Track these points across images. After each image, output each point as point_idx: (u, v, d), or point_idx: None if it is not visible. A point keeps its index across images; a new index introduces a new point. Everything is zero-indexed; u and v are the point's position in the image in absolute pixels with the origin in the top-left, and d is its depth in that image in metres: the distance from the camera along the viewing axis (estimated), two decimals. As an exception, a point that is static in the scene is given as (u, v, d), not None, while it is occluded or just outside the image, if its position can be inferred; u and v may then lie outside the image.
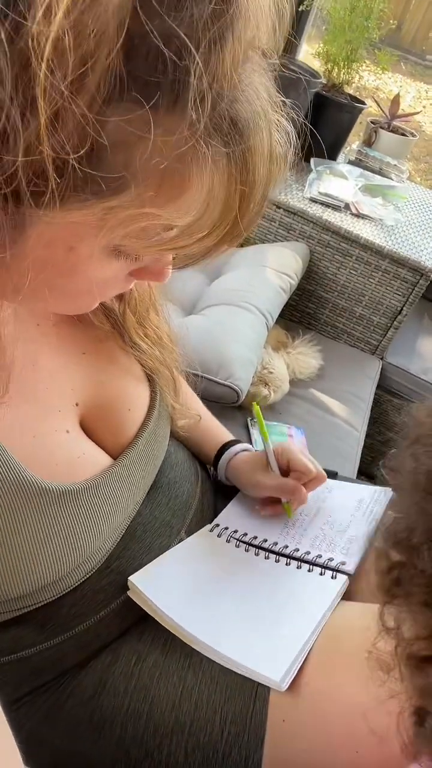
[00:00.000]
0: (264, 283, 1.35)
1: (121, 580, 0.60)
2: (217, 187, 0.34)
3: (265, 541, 0.72)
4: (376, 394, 1.53)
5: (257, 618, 0.61)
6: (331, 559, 0.69)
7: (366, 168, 1.79)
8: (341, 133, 1.78)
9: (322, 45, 1.69)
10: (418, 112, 2.09)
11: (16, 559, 0.48)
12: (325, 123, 1.71)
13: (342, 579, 0.66)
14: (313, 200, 1.56)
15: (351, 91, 1.78)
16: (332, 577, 0.66)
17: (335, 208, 1.57)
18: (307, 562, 0.69)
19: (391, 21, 1.84)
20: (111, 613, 0.60)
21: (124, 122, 0.29)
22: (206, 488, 0.77)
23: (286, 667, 0.55)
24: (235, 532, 0.73)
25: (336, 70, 1.70)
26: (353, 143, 1.88)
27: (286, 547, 0.71)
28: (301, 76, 1.43)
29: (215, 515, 0.77)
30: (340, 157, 1.85)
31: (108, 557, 0.58)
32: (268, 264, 1.40)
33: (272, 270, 1.40)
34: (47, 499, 0.48)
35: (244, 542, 0.72)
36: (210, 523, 0.74)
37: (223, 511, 0.77)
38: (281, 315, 1.43)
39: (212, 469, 0.81)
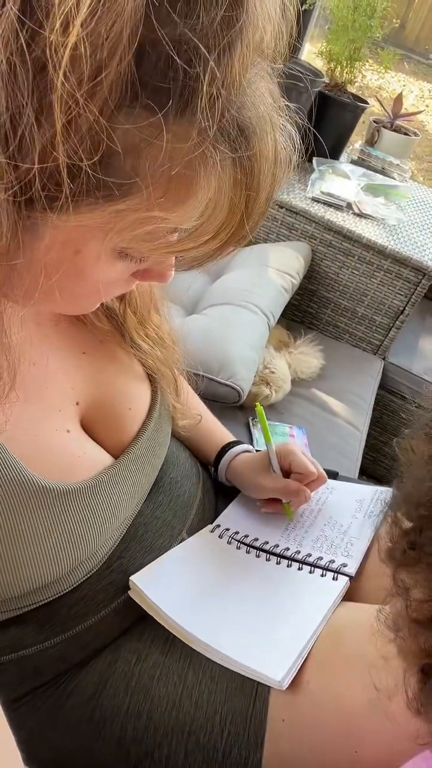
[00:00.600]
0: (266, 283, 1.35)
1: (122, 580, 0.60)
2: (223, 191, 0.34)
3: (266, 543, 0.72)
4: (377, 394, 1.52)
5: (258, 618, 0.61)
6: (332, 561, 0.69)
7: (368, 167, 1.79)
8: (344, 133, 1.77)
9: (324, 44, 1.68)
10: (420, 112, 2.09)
11: (17, 558, 0.48)
12: (328, 122, 1.70)
13: (343, 580, 0.66)
14: (316, 200, 1.56)
15: (354, 91, 1.77)
16: (333, 579, 0.66)
17: (337, 207, 1.56)
18: (308, 564, 0.69)
19: (395, 20, 1.84)
20: (111, 613, 0.60)
21: (135, 128, 0.29)
22: (207, 488, 0.77)
23: (286, 666, 0.55)
24: (236, 533, 0.73)
25: (339, 69, 1.69)
26: (356, 142, 1.87)
27: (287, 549, 0.71)
28: (303, 76, 1.43)
29: (216, 515, 0.77)
30: (343, 156, 1.85)
31: (109, 557, 0.58)
32: (270, 264, 1.40)
33: (274, 269, 1.39)
34: (48, 499, 0.49)
35: (245, 544, 0.72)
36: (211, 523, 0.74)
37: (224, 512, 0.77)
38: (283, 315, 1.42)
39: (213, 469, 0.81)
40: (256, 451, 0.81)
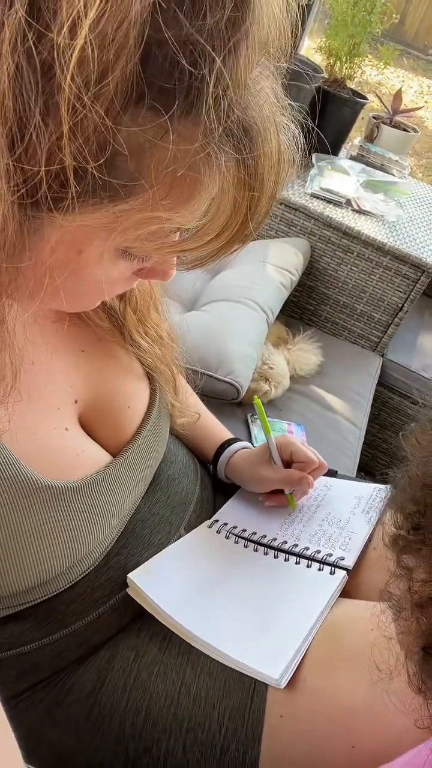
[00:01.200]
0: (265, 279, 1.35)
1: (120, 577, 0.60)
2: (226, 191, 0.34)
3: (264, 537, 0.72)
4: (376, 390, 1.52)
5: (256, 615, 0.61)
6: (329, 555, 0.69)
7: (367, 163, 1.79)
8: (343, 129, 1.77)
9: (324, 39, 1.68)
10: (420, 108, 2.08)
11: (16, 555, 0.48)
12: (327, 118, 1.70)
13: (341, 574, 0.66)
14: (315, 196, 1.56)
15: (353, 86, 1.77)
16: (331, 573, 0.66)
17: (337, 203, 1.56)
18: (305, 557, 0.69)
19: (394, 15, 1.83)
20: (110, 610, 0.60)
21: (140, 129, 0.29)
22: (205, 485, 0.77)
23: (284, 664, 0.55)
24: (234, 528, 0.73)
25: (338, 64, 1.69)
26: (355, 138, 1.87)
27: (285, 542, 0.71)
28: (302, 72, 1.42)
29: (214, 512, 0.77)
30: (342, 152, 1.84)
31: (107, 554, 0.59)
32: (268, 260, 1.40)
33: (273, 266, 1.39)
34: (47, 497, 0.49)
35: (243, 538, 0.72)
36: (209, 519, 0.75)
37: (222, 508, 0.77)
38: (282, 311, 1.42)
39: (212, 467, 0.81)
40: (255, 447, 0.81)
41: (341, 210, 1.55)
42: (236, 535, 0.72)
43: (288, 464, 0.76)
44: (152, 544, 0.64)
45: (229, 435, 0.82)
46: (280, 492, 0.77)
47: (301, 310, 1.67)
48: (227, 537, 0.72)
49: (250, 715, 0.55)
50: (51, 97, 0.27)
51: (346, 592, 0.66)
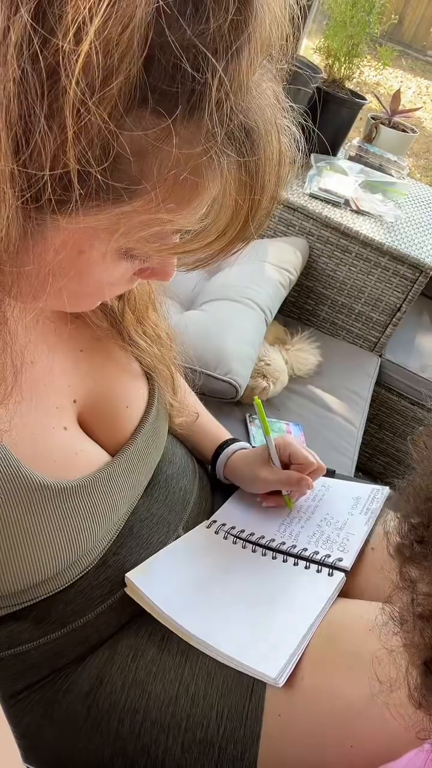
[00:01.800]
0: (263, 279, 1.35)
1: (118, 576, 0.60)
2: (228, 193, 0.35)
3: (263, 537, 0.72)
4: (374, 391, 1.53)
5: (254, 615, 0.62)
6: (327, 556, 0.69)
7: (366, 164, 1.79)
8: (341, 129, 1.77)
9: (323, 40, 1.68)
10: (418, 108, 2.09)
11: (14, 555, 0.48)
12: (326, 118, 1.70)
13: (339, 576, 0.66)
14: (313, 196, 1.56)
15: (351, 87, 1.77)
16: (329, 574, 0.66)
17: (335, 204, 1.56)
18: (304, 559, 0.69)
19: (393, 16, 1.83)
20: (108, 609, 0.60)
21: (143, 133, 0.29)
22: (204, 485, 0.77)
23: (282, 663, 0.55)
24: (233, 528, 0.73)
25: (337, 65, 1.69)
26: (353, 139, 1.87)
27: (284, 543, 0.71)
28: (301, 72, 1.43)
29: (212, 512, 0.77)
30: (340, 152, 1.85)
31: (105, 553, 0.59)
32: (267, 259, 1.40)
33: (271, 265, 1.39)
34: (45, 496, 0.49)
35: (241, 539, 0.72)
36: (207, 519, 0.75)
37: (220, 508, 0.77)
38: (280, 311, 1.42)
39: (210, 467, 0.81)
40: (253, 447, 0.81)
41: (340, 210, 1.55)
42: (234, 536, 0.72)
43: (286, 465, 0.76)
44: (150, 544, 0.64)
45: (228, 435, 0.82)
46: (278, 493, 0.77)
47: (300, 310, 1.67)
48: (225, 537, 0.72)
49: (249, 714, 0.55)
50: (55, 102, 0.27)
51: (344, 592, 0.66)
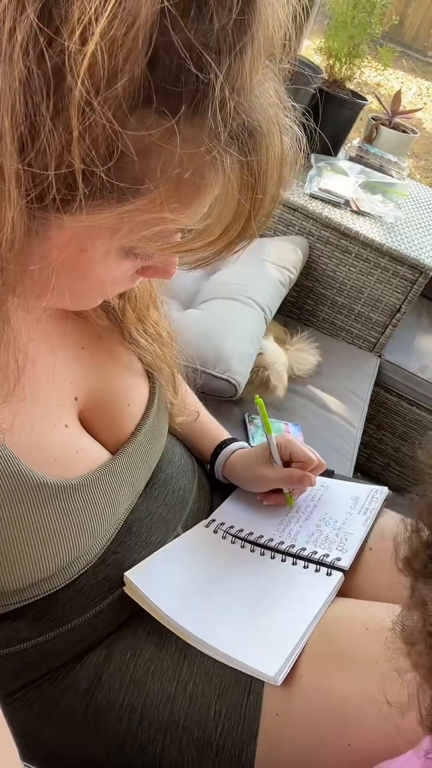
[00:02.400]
0: (263, 277, 1.35)
1: (117, 575, 0.60)
2: (231, 192, 0.35)
3: (261, 537, 0.72)
4: (373, 391, 1.53)
5: (252, 614, 0.62)
6: (326, 556, 0.69)
7: (366, 165, 1.79)
8: (342, 129, 1.77)
9: (323, 40, 1.68)
10: (419, 109, 2.09)
11: (13, 552, 0.48)
12: (326, 119, 1.70)
13: (337, 575, 0.66)
14: (314, 196, 1.56)
15: (352, 87, 1.77)
16: (327, 574, 0.66)
17: (335, 204, 1.56)
18: (302, 558, 0.69)
19: (394, 17, 1.83)
20: (106, 608, 0.60)
21: (147, 132, 0.30)
22: (203, 484, 0.77)
23: (281, 662, 0.55)
24: (231, 528, 0.74)
25: (338, 65, 1.69)
26: (354, 139, 1.87)
27: (282, 543, 0.71)
28: (302, 72, 1.43)
29: (212, 511, 0.77)
30: (341, 153, 1.85)
31: (104, 552, 0.59)
32: (267, 258, 1.40)
33: (271, 264, 1.39)
34: (45, 494, 0.49)
35: (239, 538, 0.72)
36: (206, 518, 0.75)
37: (219, 507, 0.77)
38: (280, 311, 1.42)
39: (209, 466, 0.81)
40: (251, 447, 0.81)
41: (340, 211, 1.55)
42: (233, 535, 0.72)
43: (287, 464, 0.76)
44: (149, 543, 0.64)
45: (227, 435, 0.82)
46: (279, 491, 0.77)
47: (299, 310, 1.67)
48: (224, 537, 0.72)
49: (247, 713, 0.55)
50: (61, 102, 0.27)
51: (342, 592, 0.66)
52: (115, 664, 0.59)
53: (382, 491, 0.80)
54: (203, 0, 0.28)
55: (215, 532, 0.72)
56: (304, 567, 0.68)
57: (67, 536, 0.51)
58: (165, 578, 0.62)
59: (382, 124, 1.84)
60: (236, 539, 0.72)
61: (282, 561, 0.69)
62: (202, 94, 0.29)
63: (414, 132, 1.89)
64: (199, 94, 0.29)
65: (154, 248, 0.37)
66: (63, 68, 0.26)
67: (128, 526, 0.62)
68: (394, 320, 1.57)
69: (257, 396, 0.76)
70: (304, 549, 0.70)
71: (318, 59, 1.75)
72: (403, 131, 1.86)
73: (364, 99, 1.74)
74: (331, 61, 1.70)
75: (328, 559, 0.68)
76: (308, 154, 1.72)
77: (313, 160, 1.69)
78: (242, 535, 0.73)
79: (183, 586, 0.63)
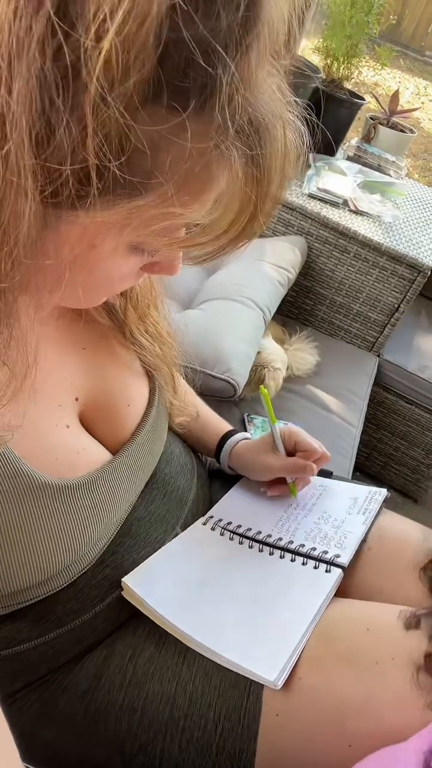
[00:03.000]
0: (262, 278, 1.35)
1: (116, 575, 0.60)
2: (237, 186, 0.35)
3: (259, 533, 0.72)
4: (372, 391, 1.53)
5: (251, 614, 0.61)
6: (325, 552, 0.69)
7: (365, 164, 1.79)
8: (340, 129, 1.77)
9: (321, 40, 1.68)
10: (416, 109, 2.09)
11: (14, 553, 0.48)
12: (324, 118, 1.70)
13: (336, 572, 0.66)
14: (312, 196, 1.56)
15: (350, 87, 1.77)
16: (326, 571, 0.66)
17: (333, 204, 1.56)
18: (300, 554, 0.69)
19: (391, 16, 1.84)
20: (106, 608, 0.60)
21: (158, 127, 0.30)
22: (202, 483, 0.77)
23: (281, 665, 0.55)
24: (229, 523, 0.73)
25: (335, 65, 1.69)
26: (352, 139, 1.87)
27: (280, 539, 0.71)
28: (300, 72, 1.42)
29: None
30: (339, 152, 1.85)
31: (103, 552, 0.58)
32: (265, 258, 1.40)
33: (270, 264, 1.39)
34: (46, 494, 0.48)
35: (237, 534, 0.72)
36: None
37: (217, 504, 0.77)
38: (278, 311, 1.42)
39: (211, 459, 0.82)
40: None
41: (338, 210, 1.55)
42: (231, 531, 0.72)
43: (291, 454, 0.77)
44: (149, 543, 0.64)
45: (229, 427, 0.84)
46: (282, 481, 0.78)
47: (298, 310, 1.67)
48: (222, 533, 0.72)
49: (246, 714, 0.55)
50: (76, 97, 0.27)
51: (341, 592, 0.66)
52: (114, 664, 0.59)
53: (381, 492, 0.80)
54: None
55: (212, 529, 0.72)
56: (303, 564, 0.68)
57: (68, 537, 0.51)
58: (163, 582, 0.62)
59: (380, 124, 1.84)
60: (234, 535, 0.72)
61: (280, 557, 0.69)
62: (211, 89, 0.30)
63: (412, 131, 1.89)
64: (207, 89, 0.29)
65: (160, 243, 0.38)
66: (78, 64, 0.26)
67: (128, 527, 0.62)
68: (392, 319, 1.57)
69: (262, 386, 0.77)
70: (302, 545, 0.70)
71: (316, 59, 1.75)
72: (401, 131, 1.87)
73: (362, 99, 1.74)
74: (328, 61, 1.70)
75: (327, 556, 0.68)
76: (307, 154, 1.72)
77: (311, 160, 1.69)
78: (240, 531, 0.73)
79: (182, 588, 0.63)
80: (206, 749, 0.54)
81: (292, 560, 0.68)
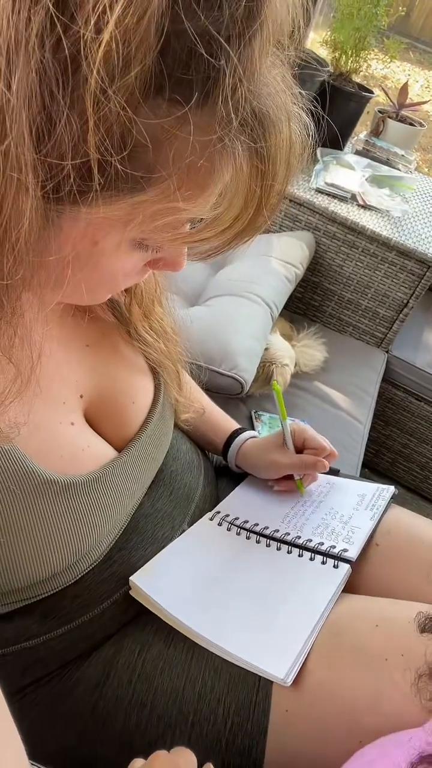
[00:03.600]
0: (269, 274, 1.34)
1: (124, 572, 0.60)
2: (241, 180, 0.35)
3: (266, 528, 0.72)
4: (381, 387, 1.52)
5: (260, 611, 0.61)
6: (333, 547, 0.69)
7: (373, 158, 1.78)
8: (349, 123, 1.76)
9: (329, 33, 1.67)
10: (426, 102, 2.06)
11: (21, 550, 0.48)
12: (333, 112, 1.69)
13: (344, 567, 0.66)
14: (320, 191, 1.55)
15: (359, 80, 1.76)
16: (334, 566, 0.66)
17: (342, 198, 1.55)
18: (308, 549, 0.69)
19: (400, 8, 1.82)
20: (114, 604, 0.60)
21: (160, 120, 0.30)
22: (209, 480, 0.77)
23: (290, 662, 0.55)
24: (236, 519, 0.73)
25: (344, 58, 1.68)
26: (360, 133, 1.86)
27: (288, 534, 0.71)
28: (308, 65, 1.42)
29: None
30: (347, 147, 1.83)
31: (111, 549, 0.59)
32: (273, 254, 1.39)
33: (277, 260, 1.39)
34: (52, 492, 0.49)
35: (244, 529, 0.72)
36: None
37: (224, 500, 0.77)
38: (286, 307, 1.42)
39: (217, 456, 0.82)
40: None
41: (346, 205, 1.54)
42: (238, 526, 0.72)
43: (300, 451, 0.77)
44: (156, 539, 0.64)
45: (237, 425, 0.84)
46: (290, 478, 0.78)
47: (306, 305, 1.66)
48: (229, 529, 0.72)
49: (256, 709, 0.55)
50: (76, 91, 0.27)
51: (350, 588, 0.66)
52: (123, 660, 0.59)
53: (389, 489, 0.80)
54: None
55: (219, 524, 0.72)
56: (311, 559, 0.67)
57: (75, 534, 0.51)
58: (170, 579, 0.62)
59: (389, 117, 1.82)
60: (241, 530, 0.72)
61: (288, 553, 0.69)
62: (213, 81, 0.29)
63: (421, 125, 1.87)
64: (210, 81, 0.29)
65: (164, 239, 0.37)
66: (78, 57, 0.26)
67: (134, 523, 0.62)
68: (401, 315, 1.56)
69: (275, 382, 0.77)
70: (310, 540, 0.70)
71: (324, 52, 1.73)
72: (410, 124, 1.85)
73: (371, 92, 1.72)
74: (337, 54, 1.68)
75: (335, 551, 0.68)
76: (315, 147, 1.71)
77: (319, 154, 1.68)
78: (247, 526, 0.73)
79: (189, 586, 0.63)
80: (216, 744, 0.55)
81: (300, 555, 0.68)
